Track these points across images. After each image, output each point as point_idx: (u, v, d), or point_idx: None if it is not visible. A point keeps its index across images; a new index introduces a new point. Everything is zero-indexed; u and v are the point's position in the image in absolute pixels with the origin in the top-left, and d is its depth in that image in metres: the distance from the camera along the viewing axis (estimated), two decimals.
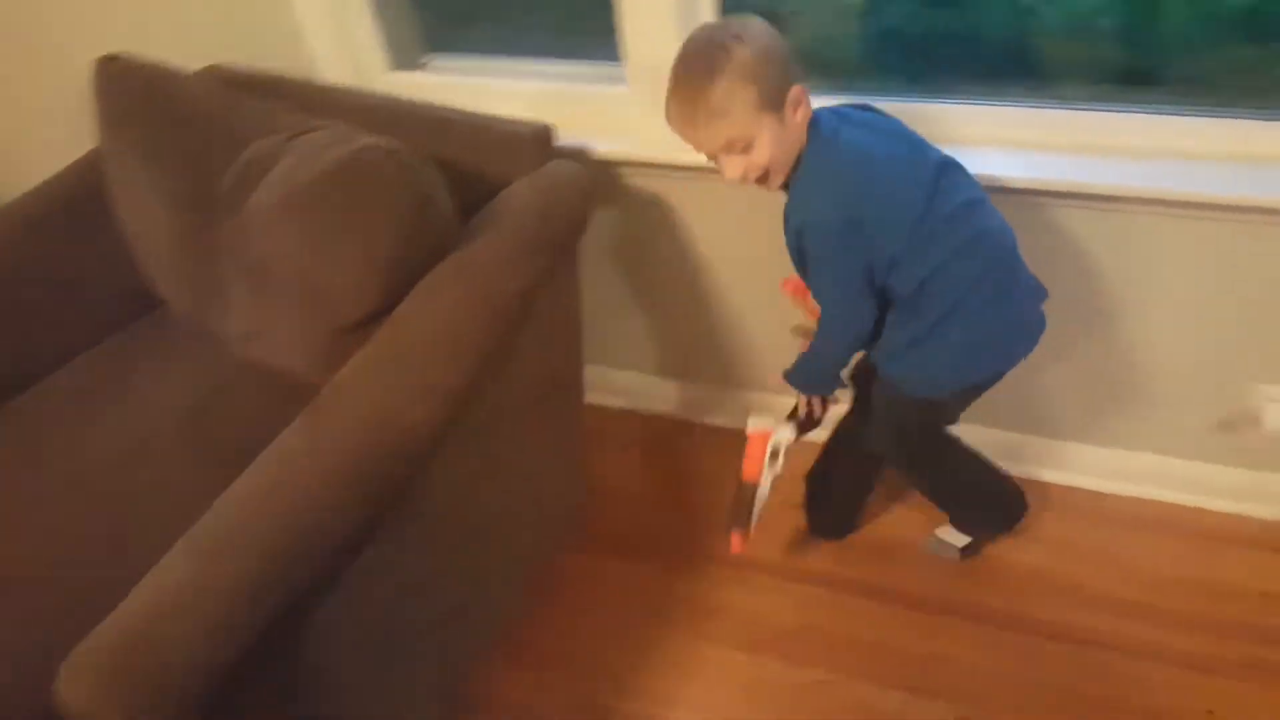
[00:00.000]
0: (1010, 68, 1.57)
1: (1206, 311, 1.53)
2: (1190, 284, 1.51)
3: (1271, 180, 1.37)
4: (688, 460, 2.01)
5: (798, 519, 1.79)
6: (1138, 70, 1.51)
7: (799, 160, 1.28)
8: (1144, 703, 1.48)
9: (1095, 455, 1.78)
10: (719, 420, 2.05)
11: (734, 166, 1.27)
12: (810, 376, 1.49)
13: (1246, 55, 1.45)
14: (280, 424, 1.16)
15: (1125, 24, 1.49)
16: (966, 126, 1.52)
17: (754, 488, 1.53)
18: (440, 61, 1.90)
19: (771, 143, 1.24)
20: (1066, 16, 1.51)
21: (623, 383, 2.09)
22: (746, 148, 1.24)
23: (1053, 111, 1.51)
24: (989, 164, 1.43)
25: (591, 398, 2.03)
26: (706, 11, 1.56)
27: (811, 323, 1.45)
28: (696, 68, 1.21)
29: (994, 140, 1.51)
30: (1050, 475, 1.83)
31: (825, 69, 1.57)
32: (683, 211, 1.76)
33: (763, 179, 1.29)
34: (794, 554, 1.77)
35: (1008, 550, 1.72)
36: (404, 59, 1.88)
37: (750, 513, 1.54)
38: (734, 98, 1.20)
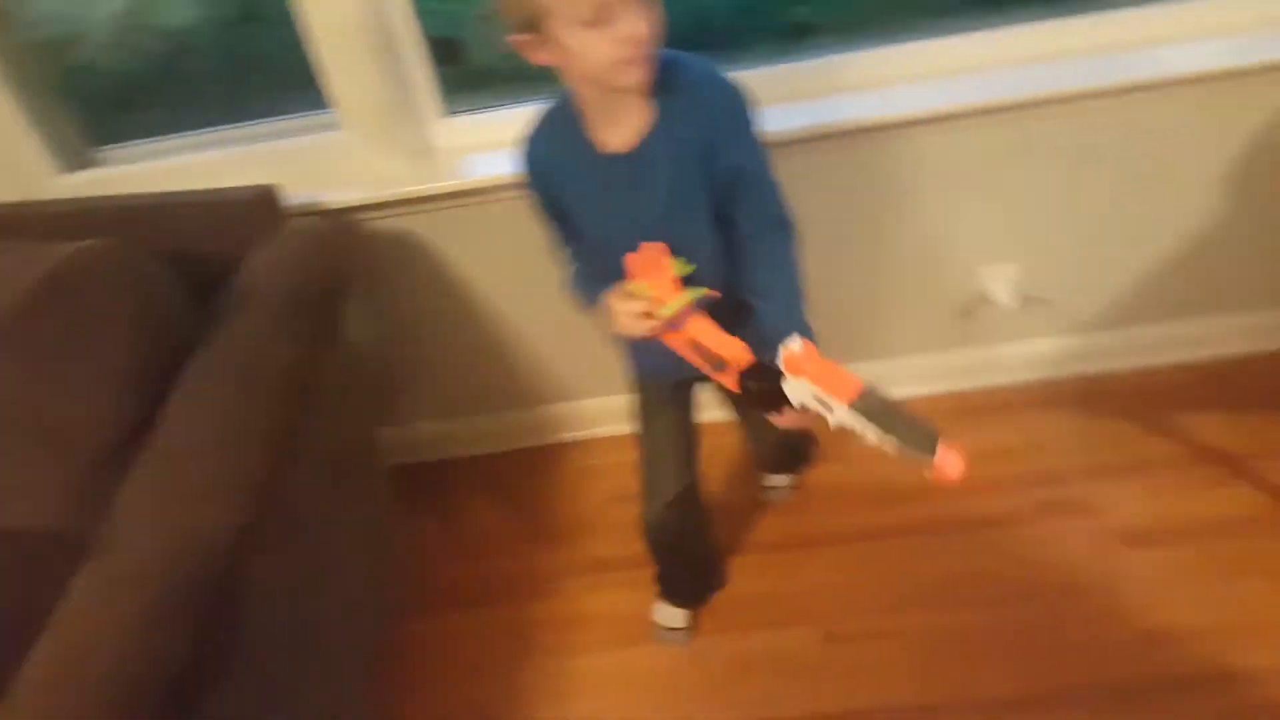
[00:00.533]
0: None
1: (947, 213, 1.70)
2: (939, 189, 1.67)
3: (1010, 80, 1.55)
4: (513, 488, 1.98)
5: (628, 511, 1.81)
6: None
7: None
8: (958, 568, 1.64)
9: (869, 369, 1.93)
10: (531, 441, 2.03)
11: (646, 18, 0.98)
12: (805, 310, 1.13)
13: None
14: (42, 594, 1.01)
15: None
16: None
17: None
18: (120, 151, 1.73)
19: None
20: None
21: (429, 434, 2.02)
22: None
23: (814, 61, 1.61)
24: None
25: (401, 457, 1.95)
26: (408, 45, 1.53)
27: (670, 298, 1.10)
28: None
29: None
30: None
31: None
32: (438, 244, 1.71)
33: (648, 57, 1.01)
34: (636, 540, 1.79)
35: (819, 477, 1.83)
36: (73, 159, 1.69)
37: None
38: None
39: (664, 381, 1.35)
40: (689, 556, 1.60)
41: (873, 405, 0.96)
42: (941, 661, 1.52)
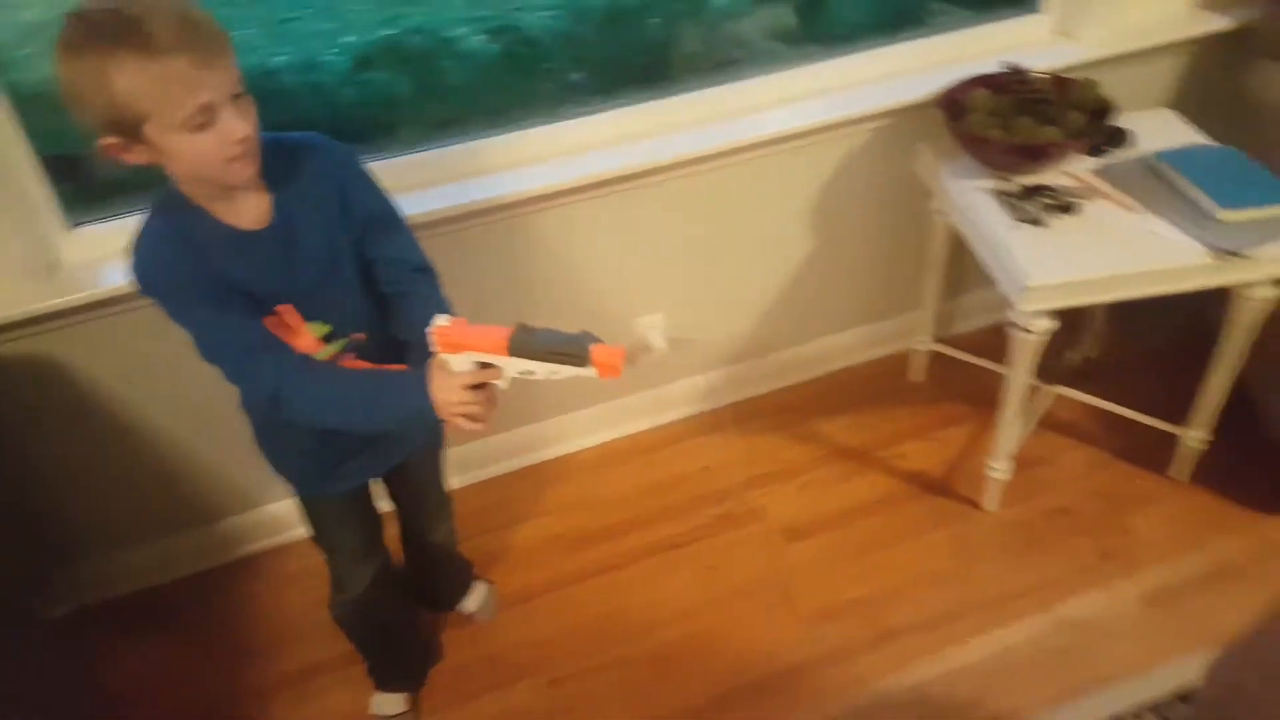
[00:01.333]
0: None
1: (598, 274, 1.86)
2: (587, 253, 1.82)
3: (647, 148, 1.75)
4: (210, 609, 1.85)
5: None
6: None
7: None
8: (655, 593, 1.78)
9: (544, 429, 2.06)
10: (221, 558, 1.92)
11: (247, 114, 0.99)
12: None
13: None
14: None
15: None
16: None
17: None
18: None
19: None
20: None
21: (108, 569, 1.84)
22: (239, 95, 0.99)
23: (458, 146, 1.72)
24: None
25: (81, 598, 1.77)
26: (20, 166, 1.45)
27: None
28: (165, 3, 0.93)
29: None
30: (517, 462, 2.06)
31: None
32: (80, 363, 1.59)
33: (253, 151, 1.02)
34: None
35: (523, 535, 1.91)
36: None
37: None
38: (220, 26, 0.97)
39: (333, 489, 1.33)
40: (394, 641, 1.60)
41: (526, 341, 1.02)
42: (652, 680, 1.64)
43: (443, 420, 1.07)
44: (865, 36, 1.91)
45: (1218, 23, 1.90)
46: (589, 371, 1.01)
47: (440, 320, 1.03)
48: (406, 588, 1.64)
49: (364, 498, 1.40)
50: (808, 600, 1.74)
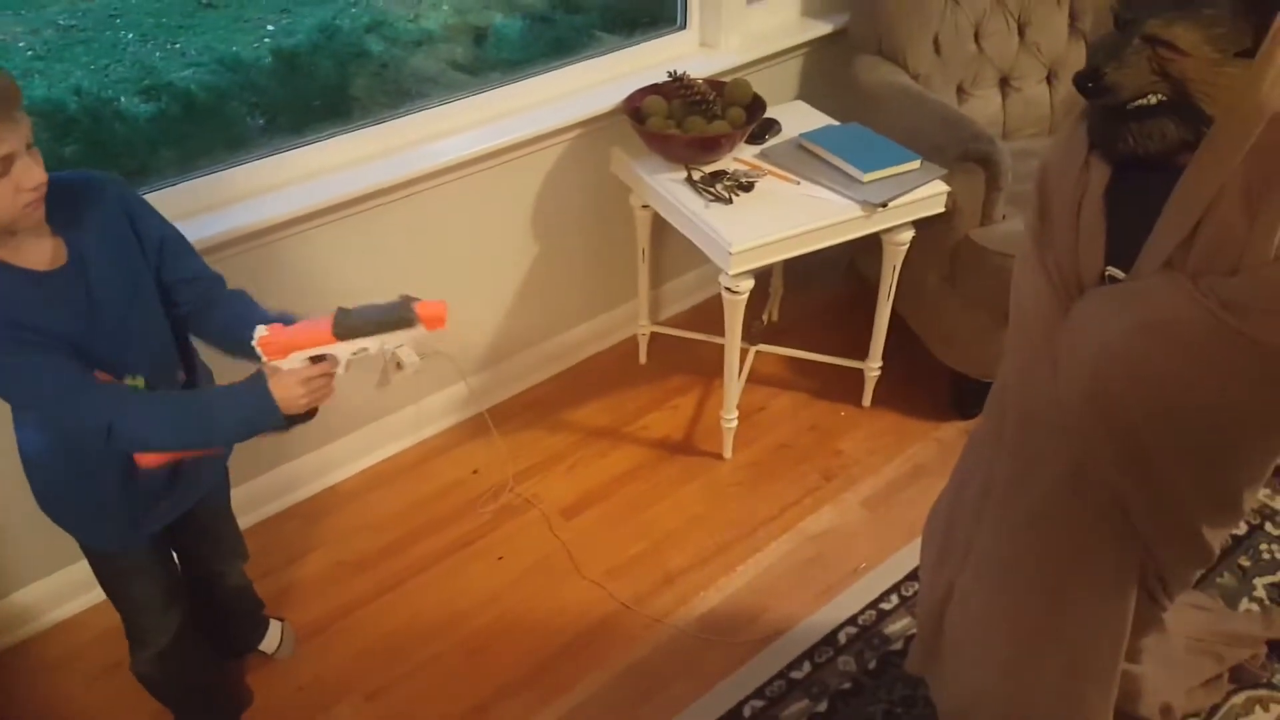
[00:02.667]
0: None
1: (341, 292, 1.86)
2: (331, 272, 1.85)
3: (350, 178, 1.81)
4: None
5: (117, 680, 1.63)
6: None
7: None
8: (452, 591, 1.85)
9: (301, 465, 2.04)
10: None
11: (39, 161, 1.02)
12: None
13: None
14: None
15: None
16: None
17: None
18: None
19: None
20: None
21: None
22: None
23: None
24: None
25: None
26: None
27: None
28: None
29: None
30: (280, 503, 2.04)
31: None
32: None
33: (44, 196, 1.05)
34: (137, 707, 1.63)
35: (306, 569, 1.89)
36: None
37: None
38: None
39: (137, 536, 1.30)
40: (204, 690, 1.53)
41: (350, 322, 1.06)
42: (467, 669, 1.71)
43: (289, 418, 1.10)
44: (538, 62, 2.13)
45: (821, 28, 2.35)
46: (419, 330, 1.09)
47: (260, 331, 1.07)
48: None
49: (163, 544, 1.36)
50: (595, 565, 1.90)
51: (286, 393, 1.08)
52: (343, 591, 1.85)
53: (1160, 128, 0.93)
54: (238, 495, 1.90)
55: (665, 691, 1.64)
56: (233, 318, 1.15)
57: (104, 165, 1.68)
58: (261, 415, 1.09)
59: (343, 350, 1.09)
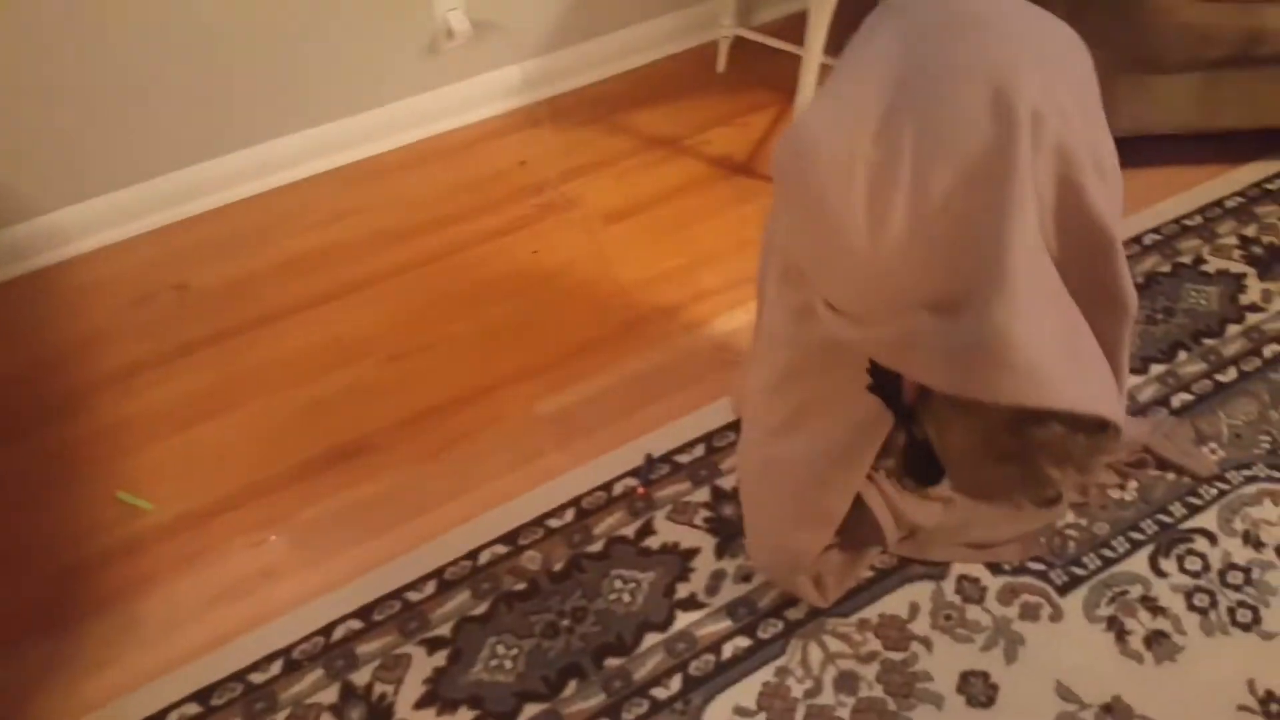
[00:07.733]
0: None
1: None
2: None
3: None
4: None
5: (151, 311, 1.71)
6: None
7: None
8: (483, 276, 1.84)
9: (350, 126, 1.99)
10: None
11: None
12: None
13: None
14: None
15: None
16: None
17: None
18: None
19: None
20: None
21: None
22: None
23: None
24: None
25: None
26: None
27: None
28: None
29: None
30: (323, 163, 2.01)
31: None
32: None
33: None
34: (168, 334, 1.72)
35: (344, 233, 1.90)
36: None
37: None
38: None
39: None
40: None
41: None
42: (482, 352, 1.73)
43: None
44: None
45: None
46: None
47: None
48: None
49: None
50: (627, 272, 1.85)
51: None
52: (377, 260, 1.86)
53: None
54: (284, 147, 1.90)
55: (667, 399, 1.64)
56: None
57: None
58: None
59: None
